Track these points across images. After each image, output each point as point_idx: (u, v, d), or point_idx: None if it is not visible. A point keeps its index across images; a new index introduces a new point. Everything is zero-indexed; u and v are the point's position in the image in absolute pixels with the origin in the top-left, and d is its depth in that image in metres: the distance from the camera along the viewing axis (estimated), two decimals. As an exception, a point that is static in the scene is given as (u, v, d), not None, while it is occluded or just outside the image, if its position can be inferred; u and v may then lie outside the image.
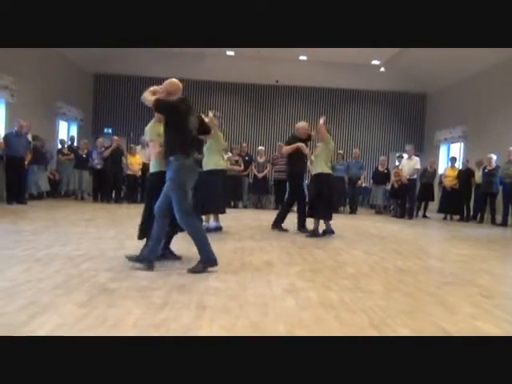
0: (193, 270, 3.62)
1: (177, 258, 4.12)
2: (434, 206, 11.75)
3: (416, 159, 10.67)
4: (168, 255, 4.09)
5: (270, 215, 9.61)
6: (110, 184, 10.80)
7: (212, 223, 6.32)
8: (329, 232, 6.43)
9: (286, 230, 6.67)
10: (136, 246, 4.38)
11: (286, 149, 6.71)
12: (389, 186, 11.52)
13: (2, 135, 9.20)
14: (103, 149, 10.90)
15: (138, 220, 4.13)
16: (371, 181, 12.48)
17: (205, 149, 5.95)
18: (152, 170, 4.06)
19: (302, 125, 6.80)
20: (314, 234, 6.28)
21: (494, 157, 10.10)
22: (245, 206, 11.61)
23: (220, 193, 6.07)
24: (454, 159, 11.60)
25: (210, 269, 3.68)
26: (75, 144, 12.16)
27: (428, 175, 11.39)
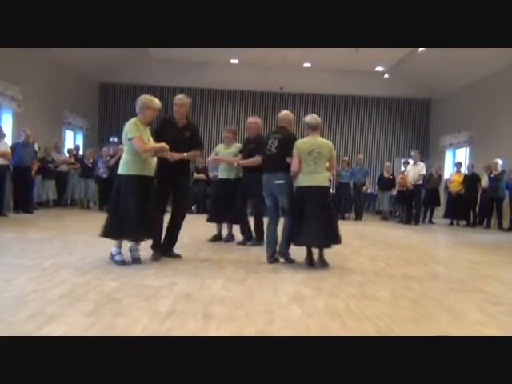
0: None
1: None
2: (440, 211, 11.70)
3: (421, 165, 10.66)
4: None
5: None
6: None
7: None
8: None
9: None
10: (142, 254, 4.39)
11: None
12: (394, 192, 11.49)
13: (10, 145, 9.27)
14: (109, 157, 10.95)
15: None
16: (377, 187, 12.46)
17: None
18: None
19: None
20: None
21: (500, 161, 10.06)
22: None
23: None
24: (459, 164, 11.57)
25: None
26: (80, 153, 12.23)
27: (433, 181, 11.37)
